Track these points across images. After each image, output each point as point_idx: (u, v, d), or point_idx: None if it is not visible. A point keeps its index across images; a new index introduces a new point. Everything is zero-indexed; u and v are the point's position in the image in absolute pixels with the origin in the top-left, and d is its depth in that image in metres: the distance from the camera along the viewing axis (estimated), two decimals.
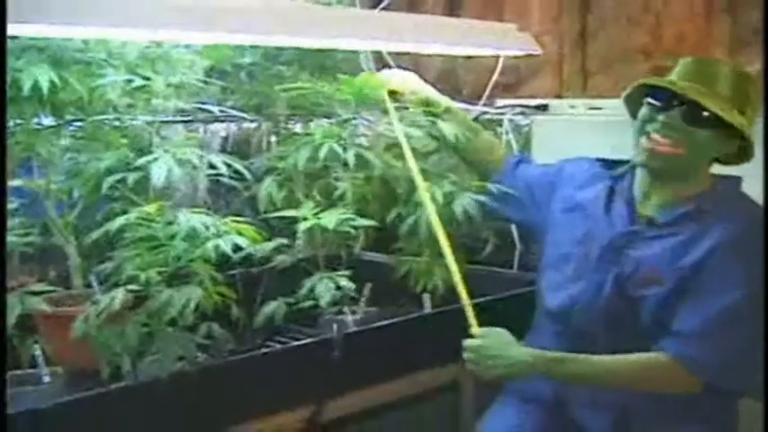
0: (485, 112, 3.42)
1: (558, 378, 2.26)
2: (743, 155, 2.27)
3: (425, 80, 3.75)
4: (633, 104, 2.34)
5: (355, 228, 2.57)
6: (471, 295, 2.53)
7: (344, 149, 2.67)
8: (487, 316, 2.46)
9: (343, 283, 2.51)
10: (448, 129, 2.79)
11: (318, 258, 2.62)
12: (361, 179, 2.74)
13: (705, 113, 2.15)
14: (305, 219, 2.56)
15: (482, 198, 2.72)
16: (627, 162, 2.44)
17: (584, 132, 3.26)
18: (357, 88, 2.81)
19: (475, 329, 2.36)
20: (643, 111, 2.26)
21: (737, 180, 2.33)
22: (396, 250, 2.95)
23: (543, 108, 3.44)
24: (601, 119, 3.29)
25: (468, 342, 2.31)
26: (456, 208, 2.69)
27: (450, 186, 2.75)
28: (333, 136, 2.69)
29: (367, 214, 2.68)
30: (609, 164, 2.49)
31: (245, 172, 2.53)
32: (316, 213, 2.57)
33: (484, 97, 3.40)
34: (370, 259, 3.24)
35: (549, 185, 2.59)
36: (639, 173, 2.36)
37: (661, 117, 2.19)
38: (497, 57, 3.32)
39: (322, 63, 3.09)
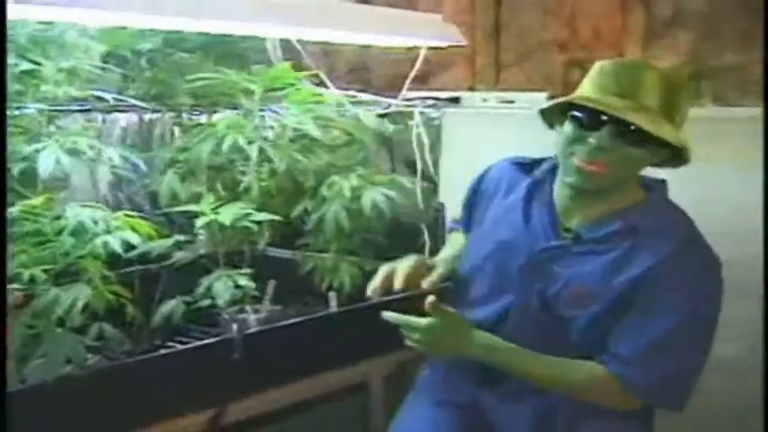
0: (395, 105, 3.34)
1: (502, 367, 2.16)
2: (678, 160, 2.12)
3: (336, 73, 3.71)
4: (552, 116, 2.18)
5: (256, 223, 2.47)
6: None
7: (249, 142, 2.57)
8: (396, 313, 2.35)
9: (243, 281, 2.41)
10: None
11: (218, 255, 2.51)
12: (266, 172, 2.64)
13: (634, 128, 1.99)
14: (203, 214, 2.46)
15: (391, 193, 2.64)
16: (544, 160, 2.30)
17: (495, 126, 3.20)
18: (269, 79, 2.71)
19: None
20: (568, 128, 2.07)
21: (664, 186, 2.22)
22: (302, 246, 2.86)
23: (455, 101, 3.38)
24: (513, 112, 3.23)
25: (417, 321, 2.14)
26: (365, 202, 2.61)
27: (359, 180, 2.66)
28: (237, 127, 2.59)
29: (272, 209, 2.59)
30: (526, 166, 2.34)
31: (141, 164, 2.42)
32: (214, 208, 2.46)
33: (404, 90, 3.32)
34: (277, 255, 3.12)
35: (474, 195, 2.45)
36: (562, 186, 2.20)
37: (590, 139, 2.01)
38: (414, 48, 3.24)
39: (227, 51, 2.98)
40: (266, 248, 2.95)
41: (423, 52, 3.24)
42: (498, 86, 3.46)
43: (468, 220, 2.45)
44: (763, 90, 2.18)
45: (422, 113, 3.31)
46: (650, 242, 2.05)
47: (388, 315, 2.17)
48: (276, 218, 2.54)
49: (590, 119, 2.02)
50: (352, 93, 3.19)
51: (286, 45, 3.26)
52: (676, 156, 2.09)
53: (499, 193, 2.32)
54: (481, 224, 2.34)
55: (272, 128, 2.81)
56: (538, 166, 2.29)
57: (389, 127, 3.27)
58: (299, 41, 3.22)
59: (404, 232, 3.16)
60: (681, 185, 2.20)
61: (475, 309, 2.26)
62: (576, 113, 2.05)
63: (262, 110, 2.78)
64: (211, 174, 2.62)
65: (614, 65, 2.08)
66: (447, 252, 2.50)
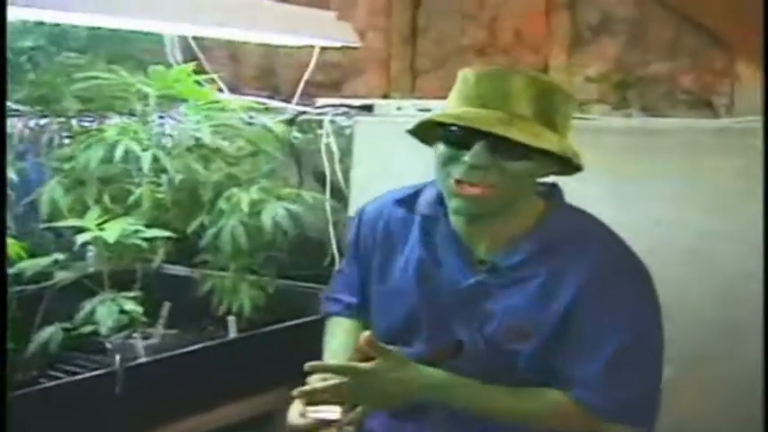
0: (303, 112, 3.13)
1: (455, 404, 1.91)
2: (570, 168, 1.88)
3: (242, 79, 3.50)
4: (423, 135, 1.94)
5: (147, 240, 2.24)
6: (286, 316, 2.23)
7: (144, 149, 2.34)
8: (304, 339, 2.11)
9: (129, 305, 2.18)
10: None
11: (103, 276, 2.27)
12: (161, 183, 2.42)
13: (515, 148, 1.76)
14: (86, 230, 2.22)
15: (295, 207, 2.44)
16: (425, 187, 2.03)
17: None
18: (168, 81, 2.49)
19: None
20: (441, 148, 1.83)
21: (558, 190, 1.99)
22: (200, 264, 2.63)
23: (368, 109, 3.13)
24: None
25: (353, 366, 1.84)
26: (265, 218, 2.39)
27: (260, 193, 2.45)
28: (129, 134, 2.36)
29: (166, 223, 2.38)
30: (410, 201, 2.05)
31: (13, 176, 2.19)
32: (100, 224, 2.23)
33: (297, 93, 3.11)
34: (173, 273, 2.90)
35: (359, 251, 2.14)
36: (452, 214, 1.95)
37: (465, 157, 1.78)
38: (323, 50, 3.04)
39: (120, 51, 2.74)
40: (162, 266, 2.72)
41: (316, 52, 3.03)
42: (414, 94, 3.29)
43: (361, 282, 2.13)
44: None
45: (332, 122, 3.09)
46: (570, 260, 1.86)
47: (311, 365, 1.84)
48: (169, 234, 2.32)
49: (461, 135, 1.79)
50: (257, 99, 2.97)
51: (185, 45, 3.04)
52: (566, 164, 1.87)
53: (395, 247, 2.04)
54: (385, 281, 2.05)
55: (170, 136, 2.59)
56: (419, 197, 2.03)
57: (298, 136, 3.07)
58: (197, 41, 3.00)
59: (310, 249, 2.94)
60: (609, 199, 2.02)
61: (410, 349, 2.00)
62: (447, 130, 1.82)
63: (161, 117, 2.57)
64: (100, 185, 2.38)
65: (478, 74, 1.83)
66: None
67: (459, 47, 3.23)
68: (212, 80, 2.77)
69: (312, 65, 3.05)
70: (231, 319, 2.51)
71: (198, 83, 2.58)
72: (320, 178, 3.09)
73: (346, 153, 3.06)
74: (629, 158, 2.56)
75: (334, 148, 3.05)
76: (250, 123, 2.78)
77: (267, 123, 2.78)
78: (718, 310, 2.45)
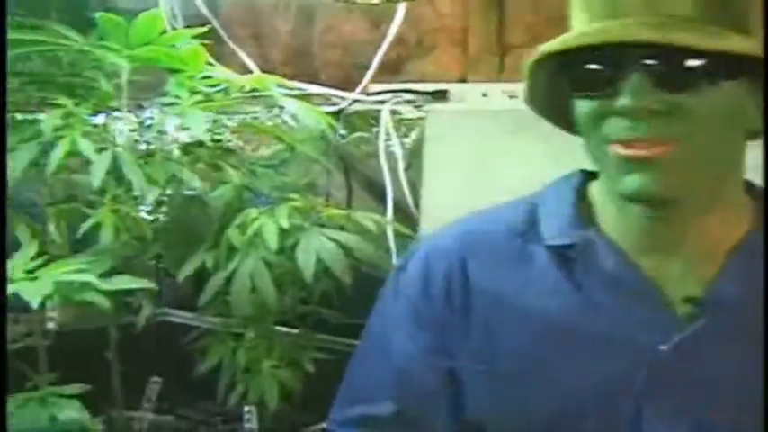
0: (355, 101, 2.34)
1: None
2: None
3: (270, 65, 2.77)
4: (551, 99, 1.19)
5: (106, 294, 1.40)
6: None
7: (100, 149, 1.52)
8: None
9: (71, 412, 1.32)
10: None
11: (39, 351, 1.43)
12: (132, 203, 1.64)
13: (691, 63, 1.05)
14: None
15: (346, 237, 1.60)
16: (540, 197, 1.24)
17: (502, 130, 2.16)
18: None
19: None
20: (582, 107, 1.12)
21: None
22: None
23: (441, 96, 2.35)
24: (525, 110, 2.23)
25: None
26: (302, 255, 1.54)
27: (292, 216, 1.60)
28: (77, 125, 1.53)
29: (143, 264, 1.57)
30: (527, 225, 1.22)
31: None
32: (32, 270, 1.38)
33: (371, 70, 2.33)
34: (172, 321, 2.11)
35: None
36: (623, 215, 1.16)
37: (620, 101, 1.06)
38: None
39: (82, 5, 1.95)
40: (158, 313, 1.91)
41: (401, 13, 2.27)
42: (504, 76, 2.50)
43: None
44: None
45: (394, 113, 2.29)
46: None
47: None
48: (144, 285, 1.47)
49: (603, 73, 1.09)
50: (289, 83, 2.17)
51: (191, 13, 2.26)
52: None
53: (504, 306, 1.19)
54: (492, 360, 1.18)
55: (160, 132, 1.79)
56: (538, 218, 1.22)
57: (344, 134, 2.32)
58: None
59: (365, 294, 2.13)
60: None
61: None
62: (580, 71, 1.11)
63: (141, 106, 1.78)
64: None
65: None
66: None
67: (561, 12, 2.44)
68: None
69: (398, 21, 2.27)
70: (250, 410, 1.65)
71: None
72: (375, 191, 2.31)
73: (414, 157, 2.26)
74: None
75: (398, 151, 2.24)
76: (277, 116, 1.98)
77: (305, 115, 1.94)
78: None
